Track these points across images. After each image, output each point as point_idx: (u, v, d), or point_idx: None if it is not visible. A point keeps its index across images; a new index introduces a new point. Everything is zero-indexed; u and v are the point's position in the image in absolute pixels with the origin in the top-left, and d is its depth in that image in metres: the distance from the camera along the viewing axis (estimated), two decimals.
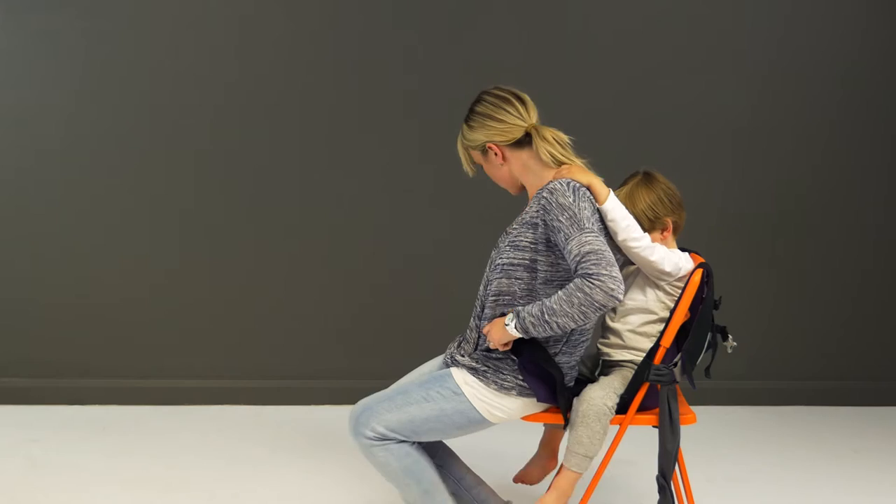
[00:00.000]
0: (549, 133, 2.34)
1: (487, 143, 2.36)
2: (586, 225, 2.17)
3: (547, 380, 2.28)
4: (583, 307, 2.12)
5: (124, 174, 4.01)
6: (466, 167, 2.50)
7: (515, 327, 2.22)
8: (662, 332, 2.32)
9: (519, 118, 2.34)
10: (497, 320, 2.29)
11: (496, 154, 2.38)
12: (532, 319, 2.19)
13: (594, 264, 2.11)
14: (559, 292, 2.17)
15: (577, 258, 2.14)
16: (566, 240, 2.17)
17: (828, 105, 4.08)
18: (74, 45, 3.94)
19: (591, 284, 2.11)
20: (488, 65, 3.96)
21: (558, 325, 2.16)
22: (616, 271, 2.13)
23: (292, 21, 3.98)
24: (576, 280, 2.14)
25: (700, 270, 2.31)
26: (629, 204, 2.41)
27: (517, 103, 2.36)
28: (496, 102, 2.36)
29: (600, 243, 2.15)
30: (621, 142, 3.97)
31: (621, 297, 2.13)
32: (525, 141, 2.35)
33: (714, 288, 2.36)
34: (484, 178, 3.99)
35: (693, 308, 2.34)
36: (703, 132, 4.07)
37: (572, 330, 2.29)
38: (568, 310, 2.14)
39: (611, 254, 2.15)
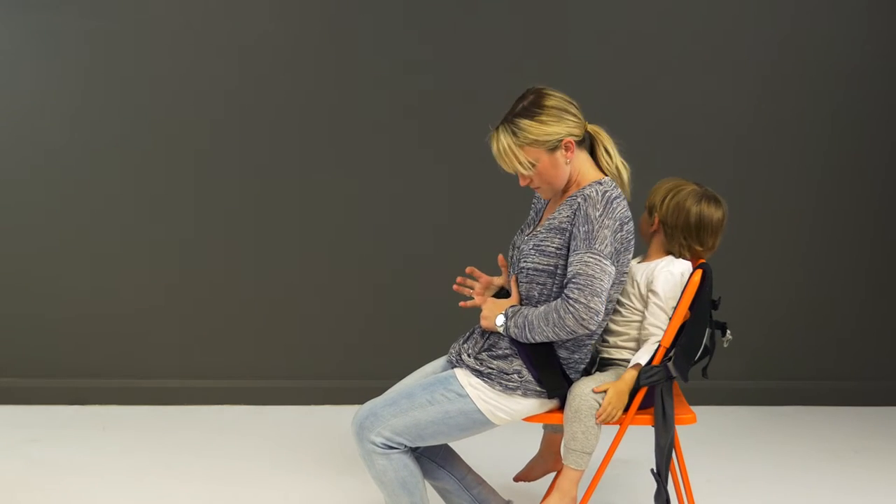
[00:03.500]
0: (606, 136, 2.35)
1: (567, 137, 2.23)
2: (595, 245, 2.15)
3: (529, 347, 2.28)
4: (556, 328, 2.16)
5: (125, 175, 4.01)
6: (520, 169, 2.22)
7: (503, 328, 2.27)
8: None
9: (581, 115, 2.30)
10: (494, 304, 2.31)
11: (568, 150, 2.24)
12: (516, 330, 2.23)
13: (578, 289, 2.12)
14: (541, 308, 2.19)
15: (569, 276, 2.16)
16: (574, 251, 2.18)
17: (830, 105, 4.08)
18: (75, 44, 3.94)
19: (566, 308, 2.13)
20: (489, 65, 3.96)
21: (537, 340, 2.21)
22: (597, 302, 2.12)
23: (293, 20, 3.98)
24: (558, 300, 2.17)
25: (700, 271, 2.31)
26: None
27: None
28: (563, 97, 2.26)
29: (598, 269, 2.14)
30: (623, 142, 3.96)
31: (594, 327, 2.15)
32: (583, 140, 2.31)
33: (713, 287, 2.36)
34: (485, 178, 4.02)
35: (693, 308, 2.34)
36: (705, 132, 4.07)
37: None
38: (544, 327, 2.17)
39: (603, 282, 2.14)
